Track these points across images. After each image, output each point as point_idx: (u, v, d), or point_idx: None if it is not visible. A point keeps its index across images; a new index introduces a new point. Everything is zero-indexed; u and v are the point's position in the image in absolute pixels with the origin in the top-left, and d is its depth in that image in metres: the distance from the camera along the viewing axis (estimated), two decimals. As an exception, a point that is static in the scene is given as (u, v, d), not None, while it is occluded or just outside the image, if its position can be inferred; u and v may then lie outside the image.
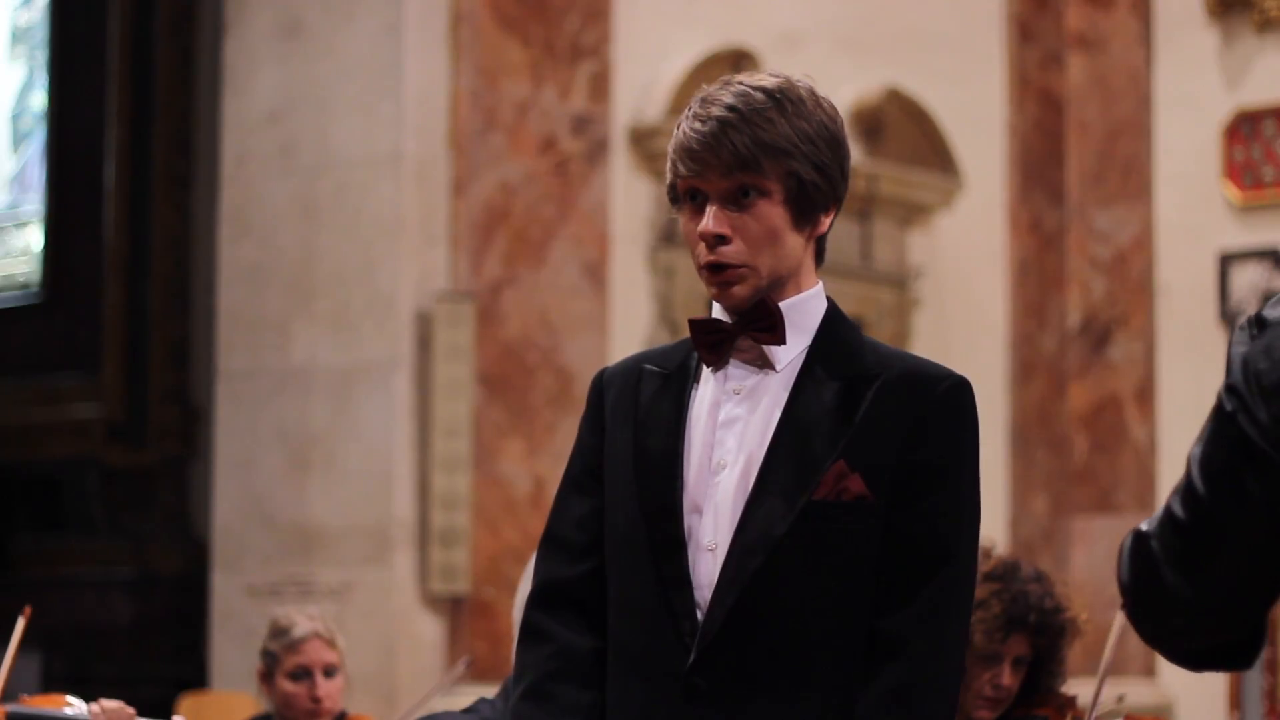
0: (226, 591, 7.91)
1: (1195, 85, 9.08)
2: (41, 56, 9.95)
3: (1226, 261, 8.93)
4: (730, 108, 2.70)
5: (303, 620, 5.05)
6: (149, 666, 8.94)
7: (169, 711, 5.47)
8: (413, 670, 7.48)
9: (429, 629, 7.61)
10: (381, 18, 7.73)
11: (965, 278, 9.22)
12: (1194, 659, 2.09)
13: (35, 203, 9.98)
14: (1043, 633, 3.83)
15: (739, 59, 8.16)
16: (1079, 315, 9.21)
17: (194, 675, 8.22)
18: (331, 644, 5.04)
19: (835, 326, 2.78)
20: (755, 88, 2.72)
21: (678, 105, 7.61)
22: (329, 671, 5.02)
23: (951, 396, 2.73)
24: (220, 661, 7.87)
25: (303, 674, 5.00)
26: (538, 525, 3.43)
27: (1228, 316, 8.82)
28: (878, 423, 2.69)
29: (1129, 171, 9.20)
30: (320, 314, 7.77)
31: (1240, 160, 8.98)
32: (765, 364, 2.74)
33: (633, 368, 2.84)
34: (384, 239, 7.67)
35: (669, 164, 2.76)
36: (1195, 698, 8.42)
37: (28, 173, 10.16)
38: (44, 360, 9.70)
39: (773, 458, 2.69)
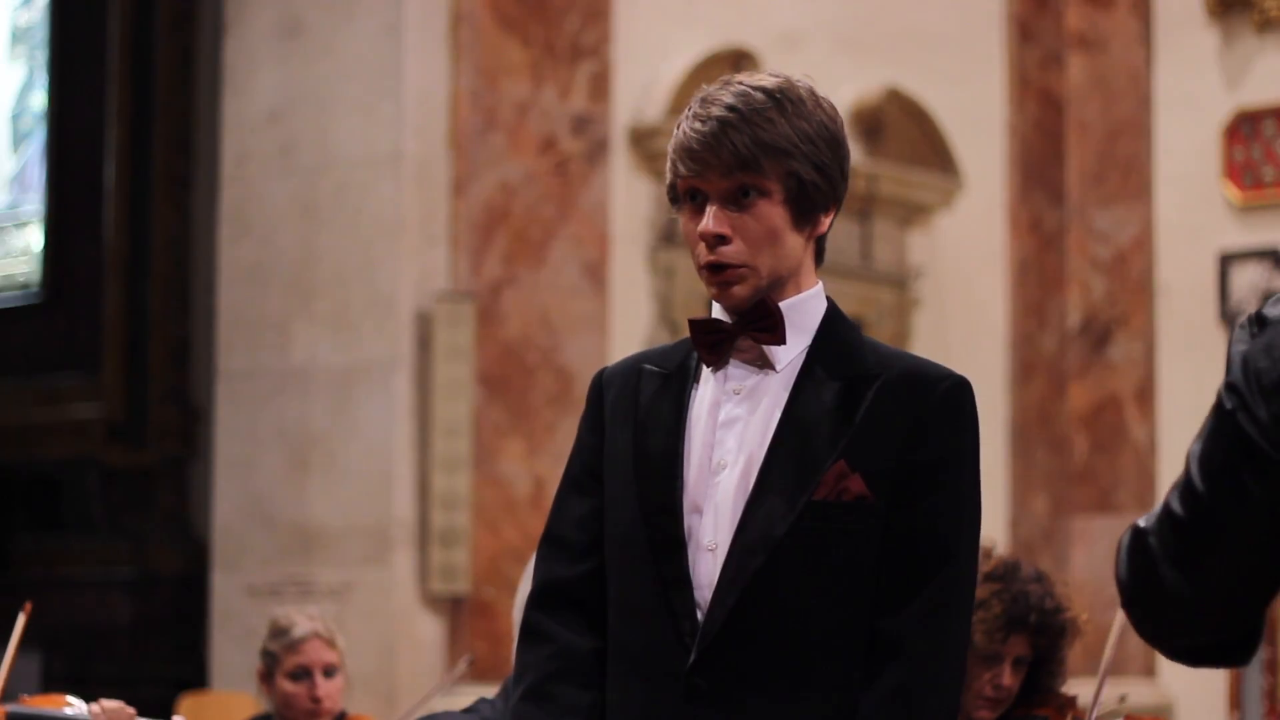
0: (226, 591, 7.91)
1: (1195, 85, 9.08)
2: (41, 56, 9.95)
3: (1226, 261, 8.92)
4: (730, 108, 2.69)
5: (303, 620, 5.05)
6: (149, 666, 8.93)
7: (169, 711, 5.47)
8: (413, 670, 7.48)
9: (429, 629, 7.60)
10: (381, 18, 7.73)
11: (965, 278, 9.22)
12: (1191, 655, 2.09)
13: (35, 203, 9.98)
14: (1043, 633, 3.83)
15: (739, 59, 8.15)
16: (1079, 315, 9.20)
17: (194, 675, 8.22)
18: (331, 644, 5.04)
19: (835, 326, 2.77)
20: (755, 88, 2.71)
21: (678, 105, 7.61)
22: (329, 671, 5.02)
23: (952, 397, 2.73)
24: (220, 661, 7.87)
25: (303, 674, 5.00)
26: (538, 525, 3.43)
27: (1228, 316, 8.82)
28: (878, 423, 2.69)
29: (1129, 171, 9.20)
30: (320, 314, 7.77)
31: (1240, 160, 8.98)
32: (765, 364, 2.74)
33: (632, 368, 2.84)
34: (384, 239, 7.66)
35: (669, 164, 2.75)
36: (1195, 698, 8.42)
37: (28, 173, 10.15)
38: (44, 360, 9.69)
39: (773, 458, 2.69)
